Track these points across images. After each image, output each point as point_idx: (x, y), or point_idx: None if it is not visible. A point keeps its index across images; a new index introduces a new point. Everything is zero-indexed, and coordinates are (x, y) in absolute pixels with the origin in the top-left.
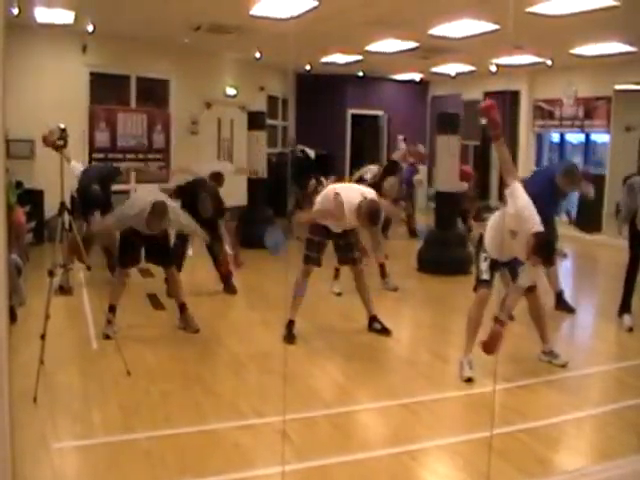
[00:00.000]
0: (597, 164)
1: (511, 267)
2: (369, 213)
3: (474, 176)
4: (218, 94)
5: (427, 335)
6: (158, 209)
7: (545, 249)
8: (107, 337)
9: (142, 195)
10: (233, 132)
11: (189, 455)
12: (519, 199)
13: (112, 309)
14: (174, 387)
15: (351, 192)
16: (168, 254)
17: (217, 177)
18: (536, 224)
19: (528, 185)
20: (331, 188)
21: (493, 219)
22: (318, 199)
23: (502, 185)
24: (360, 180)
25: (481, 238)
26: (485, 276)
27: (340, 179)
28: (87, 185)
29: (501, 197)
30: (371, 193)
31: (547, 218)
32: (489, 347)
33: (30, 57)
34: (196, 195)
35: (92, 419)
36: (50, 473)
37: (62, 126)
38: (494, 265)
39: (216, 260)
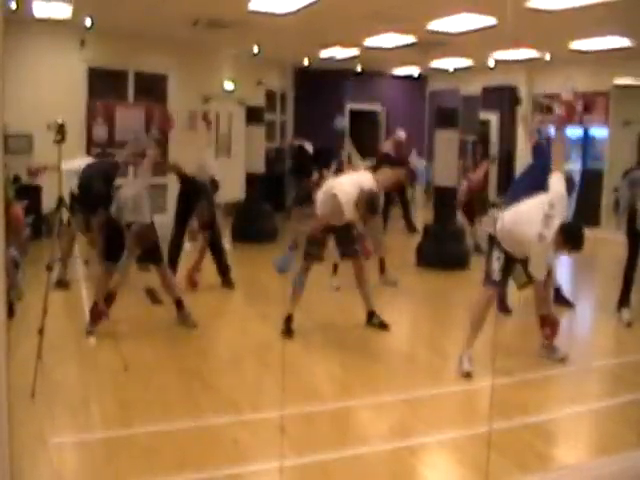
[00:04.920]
0: (596, 158)
1: (524, 263)
2: (366, 204)
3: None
4: (216, 89)
5: (426, 330)
6: (141, 236)
7: (577, 237)
8: (89, 334)
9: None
10: (231, 127)
11: (187, 450)
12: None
13: (96, 306)
14: (172, 382)
15: (348, 187)
16: (157, 251)
17: (214, 184)
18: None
19: (523, 178)
20: (329, 186)
21: (507, 215)
22: (320, 196)
23: (501, 180)
24: None
25: (492, 237)
26: (495, 276)
27: (340, 170)
28: (89, 182)
29: (500, 192)
30: (369, 181)
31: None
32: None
33: (28, 52)
34: (196, 201)
35: (90, 414)
36: (48, 468)
37: (60, 121)
38: (507, 263)
39: (216, 254)
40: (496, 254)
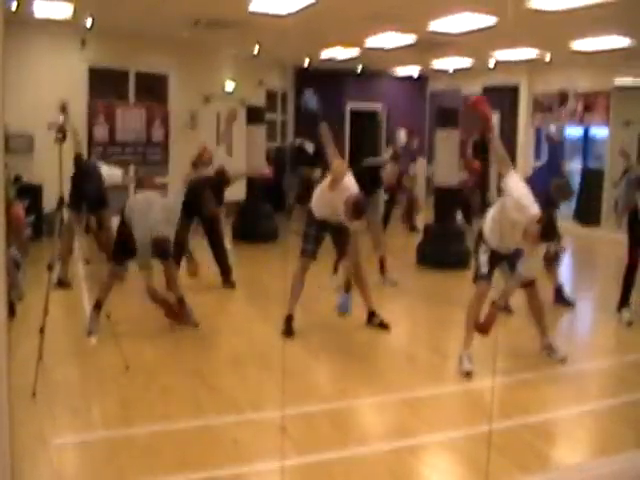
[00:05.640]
0: (596, 158)
1: (510, 260)
2: (353, 205)
3: (480, 171)
4: (217, 89)
5: (426, 330)
6: (159, 246)
7: (549, 231)
8: (90, 334)
9: (142, 203)
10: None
11: (188, 450)
12: (515, 189)
13: (98, 306)
14: (173, 382)
15: (346, 183)
16: (168, 247)
17: (222, 174)
18: (535, 209)
19: (530, 183)
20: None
21: (492, 210)
22: (315, 194)
23: (501, 179)
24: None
25: (480, 231)
26: (484, 270)
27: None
28: (81, 182)
29: (500, 191)
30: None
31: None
32: (484, 328)
33: (29, 52)
34: (200, 193)
35: (91, 414)
36: (49, 468)
37: (61, 121)
38: (493, 258)
39: (217, 254)
40: (483, 248)
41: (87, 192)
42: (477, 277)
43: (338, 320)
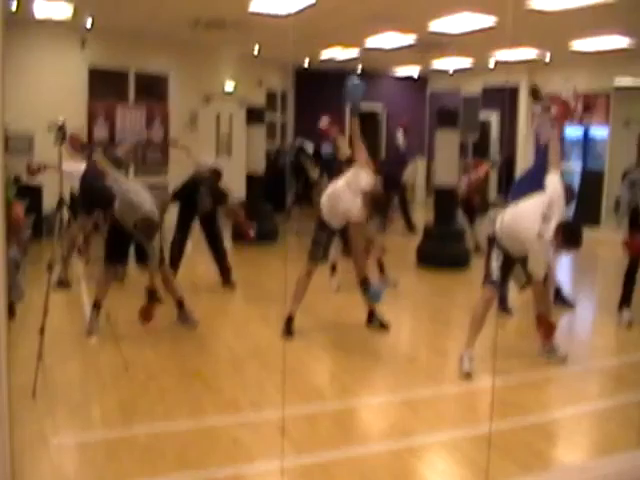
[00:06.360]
0: (596, 159)
1: (523, 262)
2: (373, 201)
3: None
4: (217, 89)
5: (426, 330)
6: (145, 226)
7: (575, 235)
8: (90, 334)
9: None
10: (232, 127)
11: (188, 450)
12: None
13: (97, 305)
14: (173, 382)
15: (349, 192)
16: (159, 251)
17: (215, 173)
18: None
19: (524, 178)
20: (332, 190)
21: (506, 214)
22: (324, 200)
23: (501, 180)
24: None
25: (493, 235)
26: (495, 276)
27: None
28: (91, 182)
29: (500, 191)
30: (368, 183)
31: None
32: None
33: (29, 53)
34: (195, 191)
35: (91, 414)
36: (49, 468)
37: (61, 121)
38: (506, 263)
39: (217, 254)
40: (495, 254)
41: (102, 190)
42: (487, 282)
43: (338, 320)
